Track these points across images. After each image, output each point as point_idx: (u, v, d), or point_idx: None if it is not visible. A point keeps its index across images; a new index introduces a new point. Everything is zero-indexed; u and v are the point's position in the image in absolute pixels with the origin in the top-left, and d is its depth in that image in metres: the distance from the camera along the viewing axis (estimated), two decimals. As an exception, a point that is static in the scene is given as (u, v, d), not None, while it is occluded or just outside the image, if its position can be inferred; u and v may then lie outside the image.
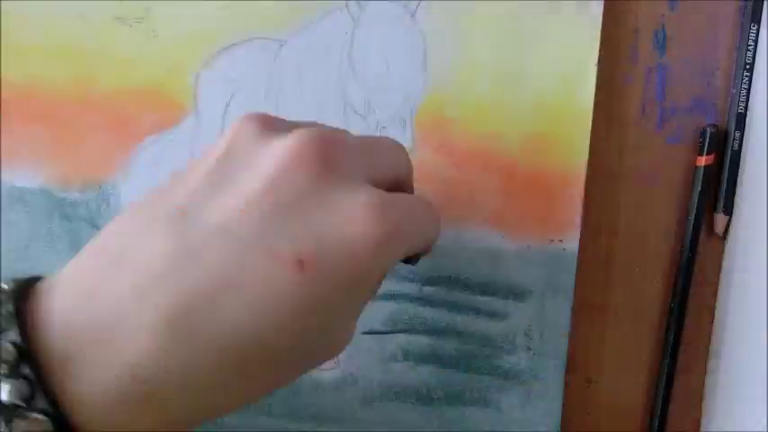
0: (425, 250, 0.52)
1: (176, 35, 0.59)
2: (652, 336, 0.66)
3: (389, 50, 0.59)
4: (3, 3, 0.59)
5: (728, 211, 0.62)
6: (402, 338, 0.64)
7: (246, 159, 0.43)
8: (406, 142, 0.60)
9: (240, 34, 0.59)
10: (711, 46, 0.61)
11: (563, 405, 0.65)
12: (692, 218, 0.63)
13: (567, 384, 0.65)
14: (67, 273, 0.44)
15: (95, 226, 0.62)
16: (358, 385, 0.64)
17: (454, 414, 0.65)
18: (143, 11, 0.59)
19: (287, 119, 0.48)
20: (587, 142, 0.60)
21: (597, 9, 0.58)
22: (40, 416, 0.37)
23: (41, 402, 0.38)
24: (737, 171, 0.62)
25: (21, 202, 0.62)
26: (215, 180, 0.43)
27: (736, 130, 0.61)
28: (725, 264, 0.65)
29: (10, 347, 0.38)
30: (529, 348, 0.64)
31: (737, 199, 0.62)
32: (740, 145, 0.61)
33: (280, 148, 0.43)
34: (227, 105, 0.60)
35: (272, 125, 0.46)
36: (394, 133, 0.60)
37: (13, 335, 0.39)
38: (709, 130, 0.61)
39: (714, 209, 0.63)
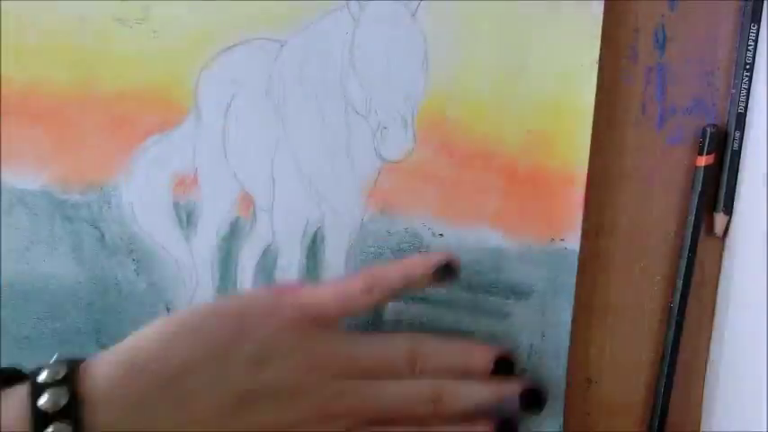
0: None
1: (177, 36, 0.58)
2: (652, 336, 0.65)
3: (390, 50, 0.58)
4: (3, 3, 0.58)
5: (728, 211, 0.62)
6: (404, 338, 0.63)
7: None
8: (408, 141, 0.59)
9: (240, 35, 0.58)
10: (711, 46, 0.60)
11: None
12: (691, 218, 0.62)
13: (567, 384, 0.64)
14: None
15: (97, 227, 0.61)
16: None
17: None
18: (143, 12, 0.58)
19: None
20: (588, 141, 0.59)
21: (598, 9, 0.57)
22: None
23: None
24: (737, 171, 0.61)
25: (22, 203, 0.61)
26: None
27: (736, 130, 0.60)
28: (725, 264, 0.64)
29: None
30: (530, 347, 0.63)
31: (737, 199, 0.61)
32: (740, 145, 0.60)
33: None
34: (228, 106, 0.59)
35: None
36: (395, 132, 0.59)
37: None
38: (709, 130, 0.60)
39: (714, 209, 0.62)
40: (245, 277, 0.62)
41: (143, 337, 0.50)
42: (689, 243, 0.62)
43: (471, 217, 0.60)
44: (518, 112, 0.59)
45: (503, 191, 0.60)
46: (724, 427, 0.64)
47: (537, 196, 0.60)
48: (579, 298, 0.62)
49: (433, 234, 0.61)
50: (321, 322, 0.54)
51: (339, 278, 0.56)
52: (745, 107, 0.60)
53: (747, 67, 0.59)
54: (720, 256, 0.64)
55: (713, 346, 0.65)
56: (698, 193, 0.61)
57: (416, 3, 0.57)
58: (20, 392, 0.46)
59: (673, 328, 0.64)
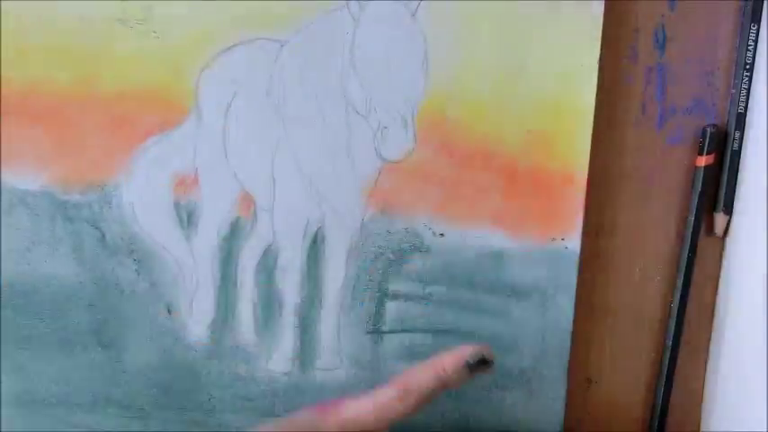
0: None
1: (177, 36, 0.58)
2: (652, 336, 0.65)
3: (390, 50, 0.58)
4: (4, 4, 0.57)
5: (728, 210, 0.61)
6: (405, 338, 0.63)
7: None
8: (408, 141, 0.59)
9: (241, 35, 0.58)
10: (711, 46, 0.60)
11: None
12: (691, 218, 0.62)
13: (567, 384, 0.64)
14: None
15: (98, 228, 0.61)
16: (362, 385, 0.63)
17: (458, 413, 0.64)
18: (144, 12, 0.57)
19: None
20: (588, 141, 0.59)
21: (598, 9, 0.56)
22: None
23: None
24: (737, 171, 0.61)
25: (23, 204, 0.60)
26: None
27: (736, 130, 0.60)
28: (725, 264, 0.64)
29: None
30: (531, 347, 0.63)
31: (737, 199, 0.61)
32: (740, 145, 0.60)
33: None
34: (229, 106, 0.59)
35: None
36: (395, 132, 0.59)
37: None
38: (709, 130, 0.60)
39: (714, 209, 0.62)
40: (246, 277, 0.62)
41: None
42: (689, 243, 0.62)
43: (472, 217, 0.60)
44: (518, 112, 0.58)
45: (503, 191, 0.60)
46: (724, 427, 0.64)
47: (537, 196, 0.59)
48: (579, 298, 0.62)
49: (434, 234, 0.60)
50: None
51: (375, 391, 0.55)
52: (745, 107, 0.59)
53: (747, 67, 0.59)
54: (720, 256, 0.64)
55: (713, 346, 0.65)
56: (698, 193, 0.61)
57: (416, 3, 0.57)
58: None
59: (673, 328, 0.64)
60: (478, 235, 0.60)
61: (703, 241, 0.63)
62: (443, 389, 0.54)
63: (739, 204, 0.61)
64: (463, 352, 0.54)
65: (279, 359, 0.63)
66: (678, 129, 0.61)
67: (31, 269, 0.61)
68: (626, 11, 0.59)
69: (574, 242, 0.60)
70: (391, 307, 0.62)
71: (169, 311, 0.62)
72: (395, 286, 0.62)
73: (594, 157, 0.59)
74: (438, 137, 0.59)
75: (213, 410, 0.64)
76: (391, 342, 0.63)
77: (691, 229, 0.62)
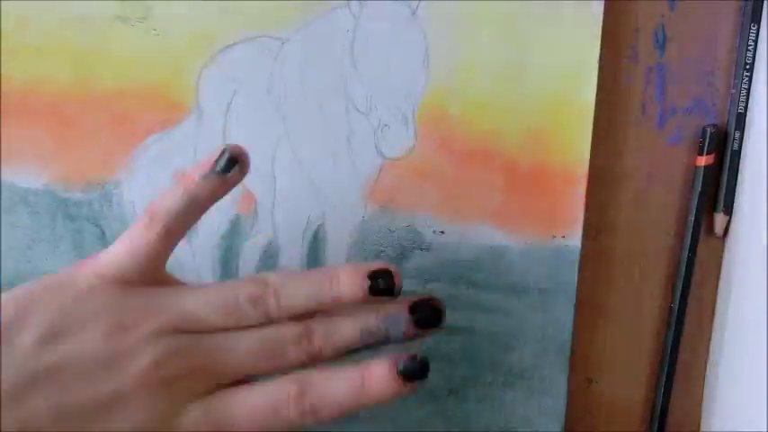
0: None
1: (178, 34, 0.57)
2: (652, 336, 0.65)
3: (391, 48, 0.57)
4: (4, 3, 0.57)
5: (728, 210, 0.61)
6: (405, 336, 0.62)
7: None
8: (408, 139, 0.59)
9: (241, 33, 0.58)
10: (711, 46, 0.59)
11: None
12: (691, 218, 0.61)
13: (567, 383, 0.63)
14: None
15: (98, 226, 0.60)
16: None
17: (458, 411, 0.63)
18: (144, 10, 0.57)
19: None
20: (589, 139, 0.58)
21: (598, 8, 0.56)
22: None
23: None
24: (737, 171, 0.60)
25: (23, 202, 0.60)
26: None
27: (736, 130, 0.59)
28: (725, 264, 0.63)
29: None
30: (532, 345, 0.62)
31: (737, 199, 0.60)
32: (740, 145, 0.60)
33: None
34: (229, 104, 0.58)
35: None
36: (396, 130, 0.58)
37: None
38: (709, 130, 0.59)
39: (714, 209, 0.61)
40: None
41: None
42: (689, 243, 0.61)
43: (472, 214, 0.60)
44: (519, 110, 0.58)
45: (504, 188, 0.59)
46: (724, 427, 0.63)
47: (538, 193, 0.59)
48: (579, 298, 0.62)
49: (434, 231, 0.60)
50: (124, 280, 0.48)
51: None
52: (745, 107, 0.59)
53: (747, 67, 0.58)
54: (720, 256, 0.63)
55: (713, 346, 0.64)
56: (698, 193, 0.60)
57: (417, 2, 0.56)
58: None
59: (673, 328, 0.63)
60: (479, 232, 0.60)
61: (703, 241, 0.62)
62: (197, 207, 0.49)
63: (739, 204, 0.60)
64: (211, 156, 0.49)
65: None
66: (678, 129, 0.61)
67: (32, 267, 0.61)
68: (626, 11, 0.59)
69: (574, 240, 0.60)
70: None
71: None
72: (395, 285, 0.61)
73: (594, 156, 0.59)
74: (438, 134, 0.59)
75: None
76: (392, 340, 0.62)
77: (691, 229, 0.61)
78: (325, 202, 0.60)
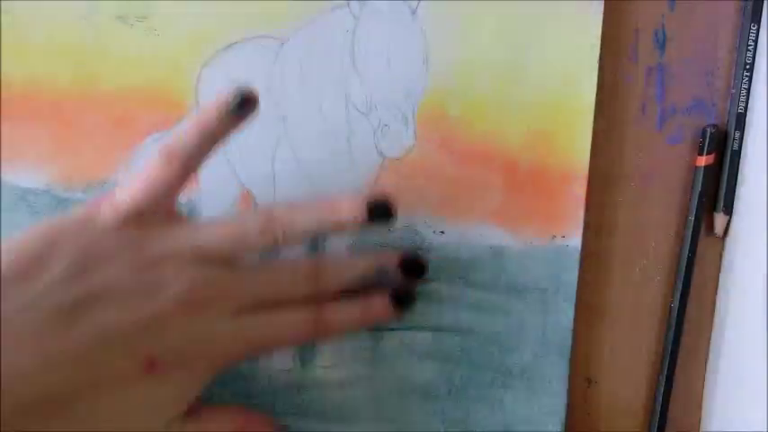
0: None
1: (177, 34, 0.57)
2: (652, 336, 0.64)
3: (391, 48, 0.57)
4: (4, 2, 0.57)
5: (728, 210, 0.61)
6: (406, 335, 0.62)
7: None
8: (408, 139, 0.58)
9: (241, 32, 0.57)
10: (711, 46, 0.59)
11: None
12: (692, 218, 0.61)
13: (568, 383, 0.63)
14: None
15: (98, 225, 0.60)
16: (362, 383, 0.62)
17: (458, 411, 0.63)
18: (144, 9, 0.57)
19: None
20: (589, 138, 0.58)
21: (598, 8, 0.56)
22: None
23: None
24: (737, 171, 0.60)
25: (24, 202, 0.59)
26: None
27: (736, 130, 0.59)
28: (725, 264, 0.63)
29: None
30: (532, 345, 0.62)
31: (737, 199, 0.60)
32: (740, 145, 0.59)
33: None
34: (229, 103, 0.58)
35: None
36: (396, 130, 0.58)
37: None
38: (709, 130, 0.59)
39: (714, 209, 0.61)
40: (246, 275, 0.61)
41: None
42: (689, 243, 0.61)
43: (472, 214, 0.60)
44: (519, 109, 0.58)
45: (504, 188, 0.59)
46: (724, 427, 0.63)
47: (538, 194, 0.59)
48: (579, 298, 0.61)
49: (434, 232, 0.60)
50: (141, 217, 0.51)
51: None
52: (745, 107, 0.59)
53: (747, 67, 0.58)
54: (720, 256, 0.63)
55: (713, 346, 0.64)
56: (698, 193, 0.60)
57: (417, 2, 0.56)
58: None
59: (673, 328, 0.63)
60: (479, 233, 0.60)
61: (703, 241, 0.62)
62: (211, 144, 0.52)
63: (739, 204, 0.60)
64: (224, 96, 0.52)
65: (279, 356, 0.62)
66: (678, 129, 0.61)
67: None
68: (626, 11, 0.58)
69: (575, 240, 0.60)
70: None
71: None
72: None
73: (594, 156, 0.59)
74: (438, 134, 0.58)
75: (213, 408, 0.63)
76: (391, 339, 0.62)
77: (691, 229, 0.61)
78: (326, 203, 0.59)
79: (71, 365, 0.46)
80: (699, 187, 0.60)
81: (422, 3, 0.56)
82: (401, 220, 0.59)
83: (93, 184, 0.59)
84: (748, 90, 0.59)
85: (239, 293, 0.51)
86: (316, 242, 0.60)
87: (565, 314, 0.61)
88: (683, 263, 0.62)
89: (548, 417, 0.63)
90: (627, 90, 0.60)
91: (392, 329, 0.62)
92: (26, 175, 0.59)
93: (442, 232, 0.60)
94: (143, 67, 0.58)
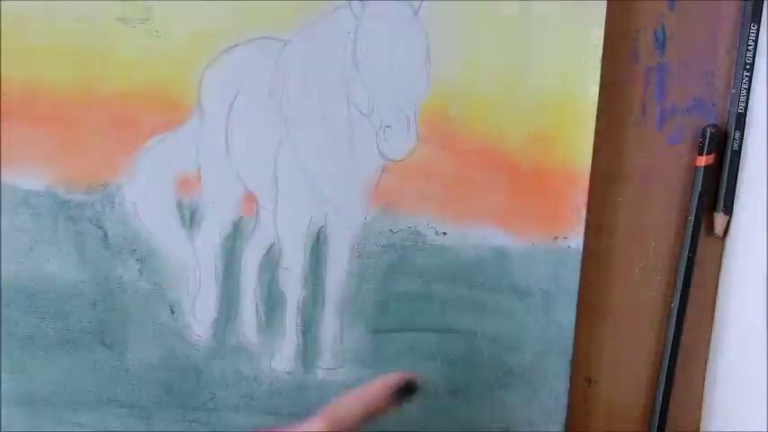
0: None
1: (180, 35, 0.57)
2: (652, 336, 0.65)
3: (393, 49, 0.57)
4: (6, 4, 0.57)
5: (728, 210, 0.61)
6: (408, 337, 0.62)
7: None
8: (410, 140, 0.58)
9: (243, 34, 0.57)
10: (711, 46, 0.59)
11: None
12: (692, 218, 0.61)
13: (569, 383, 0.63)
14: None
15: (101, 227, 0.60)
16: (365, 383, 0.62)
17: (460, 411, 0.63)
18: (146, 12, 0.57)
19: None
20: (591, 140, 0.58)
21: (600, 8, 0.56)
22: None
23: None
24: (737, 171, 0.60)
25: (25, 204, 0.59)
26: None
27: (736, 130, 0.59)
28: (725, 264, 0.63)
29: None
30: (534, 345, 0.62)
31: (737, 199, 0.60)
32: (740, 145, 0.59)
33: None
34: (231, 105, 0.58)
35: None
36: (397, 131, 0.58)
37: None
38: (709, 130, 0.59)
39: (714, 209, 0.61)
40: (249, 277, 0.61)
41: None
42: (689, 243, 0.61)
43: (474, 215, 0.60)
44: (520, 111, 0.58)
45: (505, 189, 0.59)
46: (724, 427, 0.63)
47: (540, 195, 0.59)
48: (579, 298, 0.61)
49: (437, 233, 0.60)
50: None
51: (303, 423, 0.54)
52: (745, 107, 0.59)
53: (747, 67, 0.58)
54: (720, 256, 0.63)
55: (713, 346, 0.65)
56: (698, 193, 0.60)
57: (419, 2, 0.56)
58: None
59: (673, 328, 0.63)
60: (481, 234, 0.60)
61: (703, 241, 0.62)
62: (370, 417, 0.54)
63: (739, 204, 0.60)
64: (391, 381, 0.54)
65: (281, 358, 0.62)
66: (678, 129, 0.61)
67: (34, 269, 0.61)
68: (626, 11, 0.58)
69: (576, 241, 0.60)
70: (394, 306, 0.61)
71: (172, 312, 0.61)
72: (397, 285, 0.61)
73: (594, 157, 0.59)
74: (440, 136, 0.58)
75: (216, 409, 0.64)
76: (394, 341, 0.62)
77: (691, 229, 0.61)
78: (327, 204, 0.60)
79: None
80: (699, 187, 0.60)
81: (424, 4, 0.56)
82: (404, 221, 0.60)
83: (94, 185, 0.59)
84: (748, 90, 0.59)
85: None
86: (317, 243, 0.60)
87: (566, 315, 0.61)
88: (683, 263, 0.62)
89: (549, 417, 0.63)
90: (627, 90, 0.60)
91: (394, 331, 0.62)
92: (28, 177, 0.59)
93: (444, 233, 0.60)
94: (145, 69, 0.58)
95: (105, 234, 0.60)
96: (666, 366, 0.64)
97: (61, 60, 0.57)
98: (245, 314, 0.62)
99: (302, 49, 0.57)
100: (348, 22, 0.57)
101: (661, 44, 0.59)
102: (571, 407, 0.64)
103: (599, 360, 0.65)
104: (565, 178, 0.58)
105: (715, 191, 0.61)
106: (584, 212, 0.59)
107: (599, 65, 0.57)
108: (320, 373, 0.63)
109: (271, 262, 0.61)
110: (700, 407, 0.66)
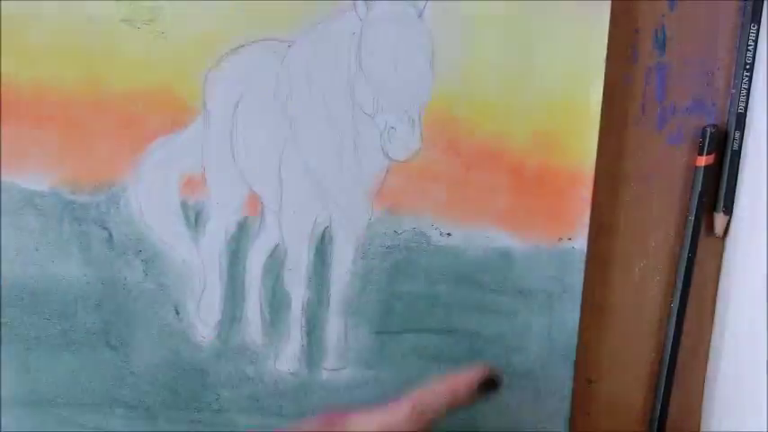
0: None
1: (185, 36, 0.57)
2: (652, 336, 0.65)
3: (397, 50, 0.57)
4: (12, 5, 0.57)
5: (728, 210, 0.61)
6: (412, 337, 0.62)
7: None
8: (415, 141, 0.58)
9: (248, 35, 0.57)
10: (711, 46, 0.59)
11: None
12: (692, 218, 0.61)
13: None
14: None
15: (105, 228, 0.60)
16: (369, 385, 0.63)
17: (464, 412, 0.61)
18: (151, 12, 0.57)
19: None
20: (595, 141, 0.58)
21: (604, 9, 0.56)
22: None
23: None
24: (737, 171, 0.60)
25: (30, 205, 0.60)
26: None
27: (736, 130, 0.59)
28: (725, 264, 0.63)
29: None
30: (538, 346, 0.62)
31: (737, 199, 0.61)
32: (740, 145, 0.60)
33: None
34: (236, 106, 0.58)
35: None
36: (402, 132, 0.58)
37: None
38: (709, 130, 0.59)
39: (714, 209, 0.61)
40: (253, 277, 0.61)
41: None
42: (689, 243, 0.62)
43: (479, 216, 0.60)
44: (525, 111, 0.58)
45: (510, 190, 0.59)
46: (724, 427, 0.63)
47: (544, 196, 0.59)
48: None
49: (441, 233, 0.60)
50: None
51: (388, 407, 0.54)
52: (745, 107, 0.59)
53: (747, 67, 0.58)
54: (720, 256, 0.63)
55: (713, 346, 0.65)
56: (698, 193, 0.60)
57: (423, 3, 0.56)
58: None
59: (673, 328, 0.63)
60: (485, 235, 0.60)
61: (703, 241, 0.62)
62: (454, 408, 0.54)
63: (739, 204, 0.60)
64: (476, 373, 0.54)
65: (286, 359, 0.62)
66: (678, 129, 0.61)
67: (39, 270, 0.61)
68: (626, 11, 0.58)
69: (580, 242, 0.60)
70: (398, 307, 0.61)
71: (177, 312, 0.62)
72: (402, 286, 0.61)
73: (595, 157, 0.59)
74: (445, 136, 0.58)
75: (220, 410, 0.64)
76: (398, 342, 0.62)
77: (691, 229, 0.61)
78: (332, 205, 0.60)
79: None
80: (699, 187, 0.60)
81: (428, 4, 0.56)
82: (408, 222, 0.60)
83: (100, 186, 0.59)
84: (748, 90, 0.59)
85: None
86: (322, 243, 0.60)
87: (570, 316, 0.61)
88: (683, 263, 0.62)
89: (553, 417, 0.63)
90: (627, 90, 0.60)
91: (398, 332, 0.62)
92: (33, 178, 0.59)
93: (449, 234, 0.60)
94: (150, 70, 0.58)
95: (110, 235, 0.60)
96: (666, 366, 0.64)
97: (66, 61, 0.57)
98: (250, 315, 0.62)
99: (307, 50, 0.57)
100: (353, 23, 0.57)
101: (661, 44, 0.59)
102: (571, 407, 0.64)
103: (599, 360, 0.65)
104: (570, 179, 0.59)
105: (715, 191, 0.61)
106: (587, 214, 0.59)
107: (603, 65, 0.57)
108: (324, 374, 0.63)
109: (275, 263, 0.61)
110: (700, 407, 0.66)
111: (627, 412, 0.66)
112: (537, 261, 0.60)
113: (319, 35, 0.57)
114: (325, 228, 0.60)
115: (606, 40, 0.56)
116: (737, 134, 0.59)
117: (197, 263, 0.61)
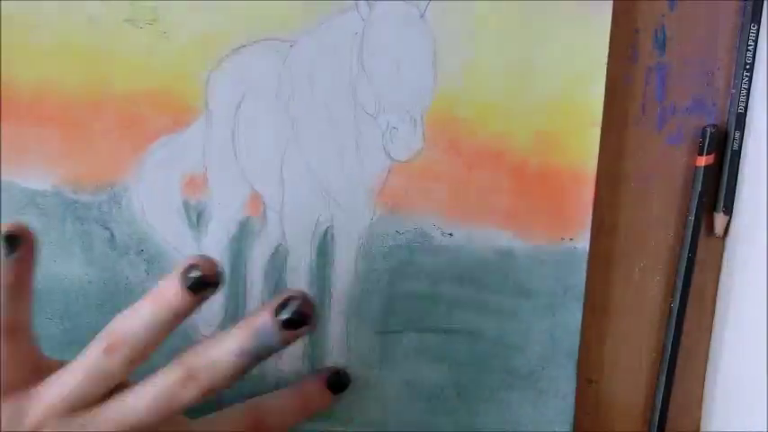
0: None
1: (187, 36, 0.57)
2: (652, 336, 0.65)
3: (399, 50, 0.57)
4: (13, 5, 0.57)
5: (728, 210, 0.61)
6: (415, 337, 0.62)
7: None
8: (417, 141, 0.58)
9: (250, 35, 0.57)
10: (711, 46, 0.60)
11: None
12: (692, 218, 0.61)
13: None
14: None
15: (107, 228, 0.60)
16: (370, 385, 0.63)
17: (466, 413, 0.63)
18: (153, 12, 0.57)
19: None
20: (597, 141, 0.58)
21: (606, 8, 0.56)
22: None
23: None
24: (737, 171, 0.60)
25: (32, 204, 0.59)
26: None
27: (736, 130, 0.60)
28: (725, 264, 0.63)
29: None
30: (540, 347, 0.62)
31: (737, 199, 0.61)
32: (740, 145, 0.60)
33: None
34: (238, 106, 0.58)
35: None
36: (404, 132, 0.58)
37: None
38: (709, 130, 0.60)
39: (714, 209, 0.62)
40: (255, 277, 0.61)
41: None
42: (689, 243, 0.62)
43: (481, 216, 0.60)
44: (527, 111, 0.58)
45: (512, 190, 0.59)
46: (724, 427, 0.63)
47: (547, 196, 0.59)
48: (580, 298, 0.62)
49: (443, 233, 0.60)
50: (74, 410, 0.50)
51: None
52: (745, 107, 0.59)
53: (747, 67, 0.59)
54: (720, 256, 0.63)
55: (713, 346, 0.65)
56: (698, 193, 0.61)
57: (425, 3, 0.56)
58: None
59: (673, 328, 0.63)
60: (487, 235, 0.60)
61: (703, 241, 0.62)
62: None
63: (739, 204, 0.61)
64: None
65: (288, 359, 0.62)
66: (678, 129, 0.61)
67: (41, 269, 0.58)
68: (626, 11, 0.59)
69: (583, 242, 0.60)
70: (400, 307, 0.61)
71: None
72: (404, 286, 0.61)
73: (595, 157, 0.59)
74: (447, 137, 0.58)
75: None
76: (400, 342, 0.62)
77: (691, 229, 0.61)
78: (334, 205, 0.60)
79: None
80: (699, 187, 0.60)
81: (431, 5, 0.56)
82: (410, 222, 0.60)
83: (101, 186, 0.59)
84: (748, 90, 0.59)
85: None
86: (324, 244, 0.60)
87: (572, 316, 0.61)
88: (683, 263, 0.62)
89: (556, 418, 0.63)
90: (627, 90, 0.60)
91: (399, 332, 0.62)
92: (35, 178, 0.59)
93: (451, 234, 0.60)
94: (152, 70, 0.58)
95: (112, 234, 0.60)
96: (666, 366, 0.64)
97: (68, 61, 0.57)
98: (252, 314, 0.61)
99: (309, 50, 0.57)
100: (355, 23, 0.57)
101: (661, 44, 0.59)
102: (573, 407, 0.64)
103: (599, 360, 0.65)
104: (572, 179, 0.59)
105: (715, 191, 0.61)
106: (590, 214, 0.59)
107: (605, 65, 0.57)
108: (326, 375, 0.63)
109: (277, 262, 0.61)
110: (700, 407, 0.66)
111: (627, 412, 0.66)
112: (539, 261, 0.60)
113: (321, 35, 0.57)
114: (327, 228, 0.60)
115: (608, 41, 0.57)
116: (737, 134, 0.59)
117: (198, 263, 0.60)
